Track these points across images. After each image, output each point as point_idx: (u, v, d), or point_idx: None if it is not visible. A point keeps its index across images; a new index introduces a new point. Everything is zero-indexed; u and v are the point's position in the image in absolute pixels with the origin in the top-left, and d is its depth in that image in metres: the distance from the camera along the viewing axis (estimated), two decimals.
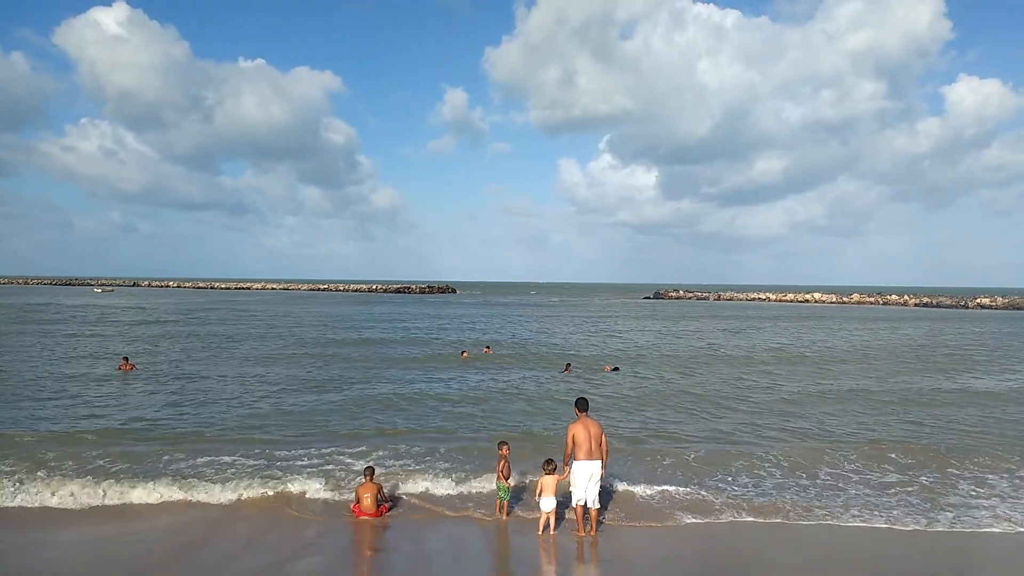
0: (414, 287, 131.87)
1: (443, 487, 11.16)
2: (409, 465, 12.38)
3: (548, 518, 9.42)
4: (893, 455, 13.71)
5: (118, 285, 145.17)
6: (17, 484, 10.79)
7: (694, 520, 10.06)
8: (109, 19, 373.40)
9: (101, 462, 12.15)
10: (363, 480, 10.22)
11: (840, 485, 11.81)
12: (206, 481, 11.23)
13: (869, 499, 11.06)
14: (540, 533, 9.40)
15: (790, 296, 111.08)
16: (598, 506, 9.43)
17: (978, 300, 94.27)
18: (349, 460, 12.57)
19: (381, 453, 13.08)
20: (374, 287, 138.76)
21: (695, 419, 17.35)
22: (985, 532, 9.82)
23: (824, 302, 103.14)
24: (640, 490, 11.15)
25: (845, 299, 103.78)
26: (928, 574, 8.63)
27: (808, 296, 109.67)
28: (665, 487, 11.41)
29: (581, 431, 9.27)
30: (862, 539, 9.50)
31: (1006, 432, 16.09)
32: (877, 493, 11.37)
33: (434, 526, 9.84)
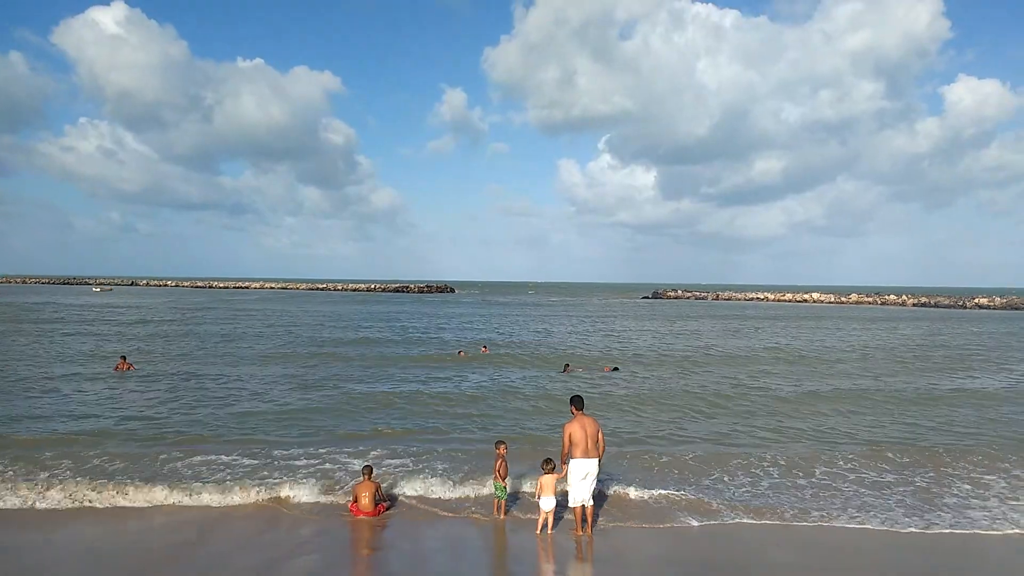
0: (413, 287, 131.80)
1: (441, 486, 11.16)
2: (407, 465, 12.39)
3: (547, 517, 9.43)
4: (890, 455, 13.73)
5: (117, 284, 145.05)
6: (13, 484, 10.78)
7: (692, 521, 10.07)
8: (107, 19, 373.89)
9: (98, 462, 12.15)
10: (361, 479, 10.23)
11: (837, 486, 11.82)
12: (203, 481, 11.24)
13: (866, 500, 11.07)
14: (539, 532, 9.41)
15: (789, 296, 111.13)
16: (591, 503, 9.46)
17: (976, 300, 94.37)
18: (347, 459, 12.57)
19: (378, 452, 13.09)
20: (373, 287, 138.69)
21: (693, 419, 17.36)
22: (983, 533, 9.84)
23: (823, 302, 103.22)
24: (638, 490, 11.16)
25: (844, 299, 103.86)
26: (926, 575, 8.65)
27: (807, 296, 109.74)
28: (663, 488, 11.42)
29: (578, 429, 9.28)
30: (859, 540, 9.51)
31: (1002, 432, 16.11)
32: (874, 494, 11.39)
33: (432, 525, 9.84)
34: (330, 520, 9.94)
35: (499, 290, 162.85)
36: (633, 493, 11.05)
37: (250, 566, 8.26)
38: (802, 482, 11.97)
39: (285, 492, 10.73)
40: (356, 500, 10.01)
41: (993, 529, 9.93)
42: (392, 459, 12.71)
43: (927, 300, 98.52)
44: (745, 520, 10.15)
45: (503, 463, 10.01)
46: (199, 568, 8.23)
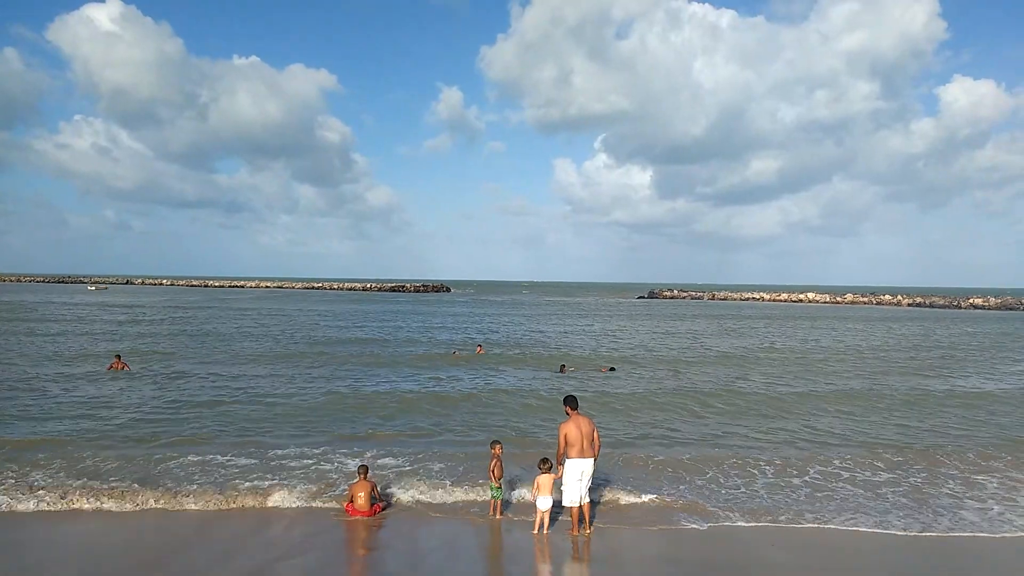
0: (408, 286, 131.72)
1: (436, 486, 11.15)
2: (402, 465, 12.38)
3: (544, 517, 9.43)
4: (886, 456, 13.78)
5: (112, 283, 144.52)
6: (5, 486, 10.72)
7: (687, 521, 10.07)
8: (102, 15, 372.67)
9: (91, 463, 12.10)
10: (357, 479, 10.21)
11: (832, 487, 11.85)
12: (198, 481, 11.22)
13: (861, 501, 11.10)
14: (536, 532, 9.41)
15: (784, 296, 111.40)
16: (588, 500, 9.49)
17: (971, 300, 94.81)
18: (342, 459, 12.55)
19: (374, 452, 13.07)
20: (369, 285, 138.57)
21: (688, 420, 17.39)
22: (979, 534, 9.87)
23: (818, 302, 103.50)
24: (633, 491, 11.16)
25: (839, 299, 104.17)
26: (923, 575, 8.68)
27: (802, 296, 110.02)
28: (658, 488, 11.45)
29: (573, 429, 9.29)
30: (854, 542, 9.54)
31: (997, 433, 16.18)
32: (869, 495, 11.42)
33: (428, 525, 9.83)
34: (326, 520, 9.92)
35: (495, 289, 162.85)
36: (629, 494, 11.05)
37: (246, 567, 8.23)
38: (797, 483, 12.00)
39: (280, 492, 10.70)
40: (352, 500, 9.99)
41: (990, 530, 9.97)
42: (387, 459, 12.69)
43: (922, 300, 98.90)
44: (741, 521, 10.16)
45: (498, 463, 10.00)
46: (195, 569, 8.19)
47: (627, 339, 39.48)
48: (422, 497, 10.81)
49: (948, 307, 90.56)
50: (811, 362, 29.50)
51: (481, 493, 10.76)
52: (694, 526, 9.90)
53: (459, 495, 10.90)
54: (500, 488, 10.06)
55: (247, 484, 11.03)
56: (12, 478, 11.12)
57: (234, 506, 10.32)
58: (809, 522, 10.12)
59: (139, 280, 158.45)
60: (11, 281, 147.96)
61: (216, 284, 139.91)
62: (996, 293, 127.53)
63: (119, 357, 23.84)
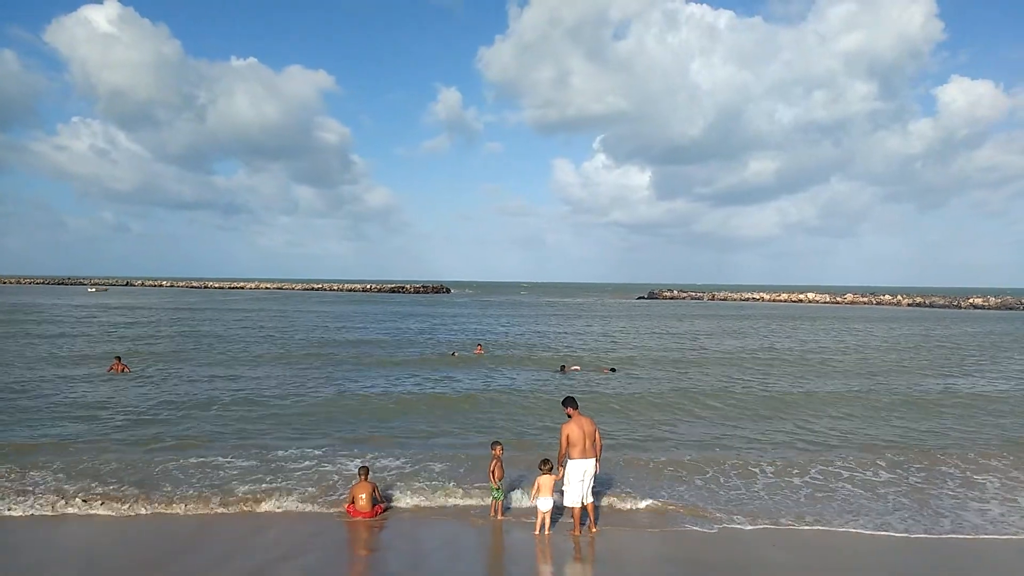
0: (408, 287, 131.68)
1: (437, 487, 11.15)
2: (403, 466, 12.39)
3: (545, 518, 9.44)
4: (887, 456, 13.78)
5: (111, 284, 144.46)
6: (4, 490, 10.71)
7: (688, 522, 10.08)
8: (100, 17, 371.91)
9: (91, 465, 12.09)
10: (358, 480, 10.21)
11: (832, 487, 11.85)
12: (198, 483, 11.21)
13: (862, 502, 11.10)
14: (537, 533, 9.41)
15: (784, 296, 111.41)
16: (591, 499, 9.50)
17: (971, 300, 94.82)
18: (343, 460, 12.55)
19: (375, 454, 13.08)
20: (368, 287, 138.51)
21: (688, 421, 17.40)
22: (980, 535, 9.87)
23: (818, 302, 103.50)
24: (634, 492, 11.18)
25: (839, 299, 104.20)
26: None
27: (802, 296, 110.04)
28: (659, 489, 11.46)
29: (576, 430, 9.30)
30: (856, 543, 9.54)
31: (997, 432, 16.19)
32: (870, 496, 11.42)
33: (429, 526, 9.84)
34: (327, 521, 9.92)
35: (494, 290, 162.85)
36: (629, 495, 11.05)
37: (247, 568, 8.24)
38: (798, 483, 12.00)
39: (281, 494, 10.70)
40: (353, 501, 9.99)
41: (991, 531, 9.97)
42: (388, 460, 12.70)
43: (922, 300, 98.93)
44: (741, 522, 10.16)
45: (499, 464, 10.00)
46: (196, 570, 8.19)
47: (627, 340, 39.49)
48: (423, 498, 10.81)
49: (948, 307, 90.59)
50: (811, 362, 29.50)
51: (482, 494, 10.75)
52: (695, 527, 9.90)
53: (460, 496, 10.90)
54: (500, 489, 10.06)
55: (248, 486, 11.03)
56: (11, 481, 11.11)
57: (235, 508, 10.31)
58: (810, 523, 10.12)
59: (139, 282, 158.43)
60: (10, 283, 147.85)
61: (215, 285, 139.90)
62: (995, 293, 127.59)
63: (119, 359, 23.83)
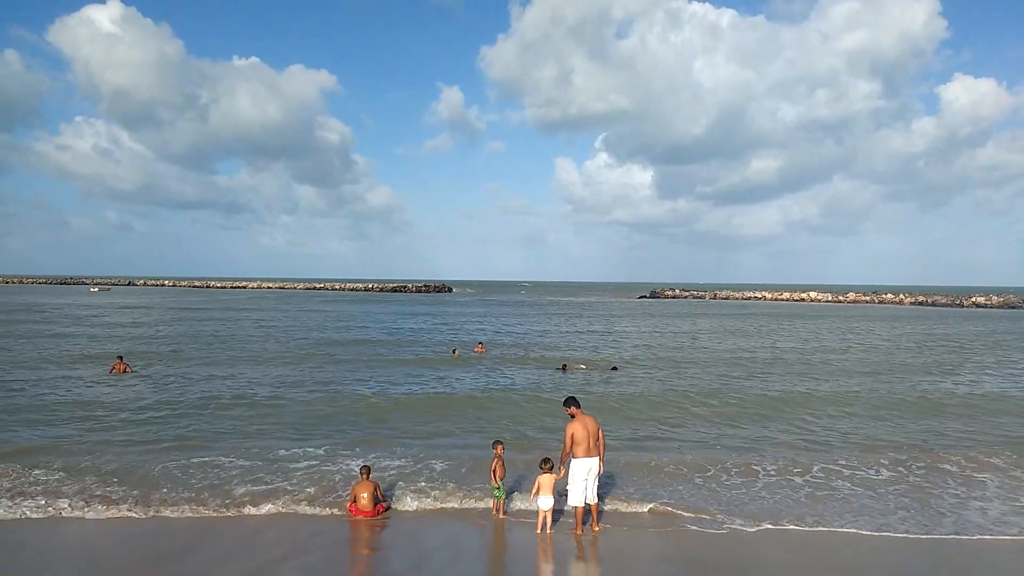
0: (410, 286, 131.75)
1: (439, 487, 11.16)
2: (404, 465, 12.39)
3: (546, 517, 9.44)
4: (889, 455, 13.76)
5: (114, 284, 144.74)
6: (4, 491, 10.71)
7: (688, 522, 10.07)
8: (103, 17, 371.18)
9: (92, 465, 12.10)
10: (359, 479, 10.22)
11: (834, 487, 11.83)
12: (199, 483, 11.22)
13: (864, 502, 11.08)
14: (538, 532, 9.41)
15: (786, 295, 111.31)
16: (596, 500, 9.50)
17: (973, 299, 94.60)
18: (344, 460, 12.56)
19: (376, 453, 13.08)
20: (370, 286, 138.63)
21: (690, 420, 17.38)
22: (981, 535, 9.85)
23: (820, 301, 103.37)
24: (635, 492, 11.18)
25: (841, 298, 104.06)
26: None
27: (804, 295, 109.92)
28: (660, 489, 11.45)
29: (580, 429, 9.31)
30: (855, 542, 9.53)
31: (999, 432, 16.15)
32: (871, 496, 11.40)
33: (431, 525, 9.84)
34: (329, 521, 9.93)
35: (496, 289, 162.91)
36: (631, 494, 11.06)
37: (248, 568, 8.24)
38: (799, 482, 11.98)
39: (283, 494, 10.72)
40: (355, 500, 10.00)
41: (992, 531, 9.95)
42: (390, 459, 12.70)
43: (925, 299, 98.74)
44: (743, 521, 10.15)
45: (500, 463, 10.00)
46: (196, 571, 8.20)
47: (629, 339, 39.47)
48: (425, 497, 10.82)
49: (950, 306, 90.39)
50: (815, 361, 29.46)
51: (483, 493, 10.76)
52: (696, 527, 9.89)
53: (461, 495, 10.90)
54: (502, 488, 10.06)
55: (248, 486, 11.04)
56: (11, 481, 11.13)
57: (235, 508, 10.32)
58: (811, 524, 10.11)
59: (141, 281, 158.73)
60: (13, 283, 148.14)
61: (217, 285, 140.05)
62: (998, 292, 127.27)
63: (121, 359, 23.86)
